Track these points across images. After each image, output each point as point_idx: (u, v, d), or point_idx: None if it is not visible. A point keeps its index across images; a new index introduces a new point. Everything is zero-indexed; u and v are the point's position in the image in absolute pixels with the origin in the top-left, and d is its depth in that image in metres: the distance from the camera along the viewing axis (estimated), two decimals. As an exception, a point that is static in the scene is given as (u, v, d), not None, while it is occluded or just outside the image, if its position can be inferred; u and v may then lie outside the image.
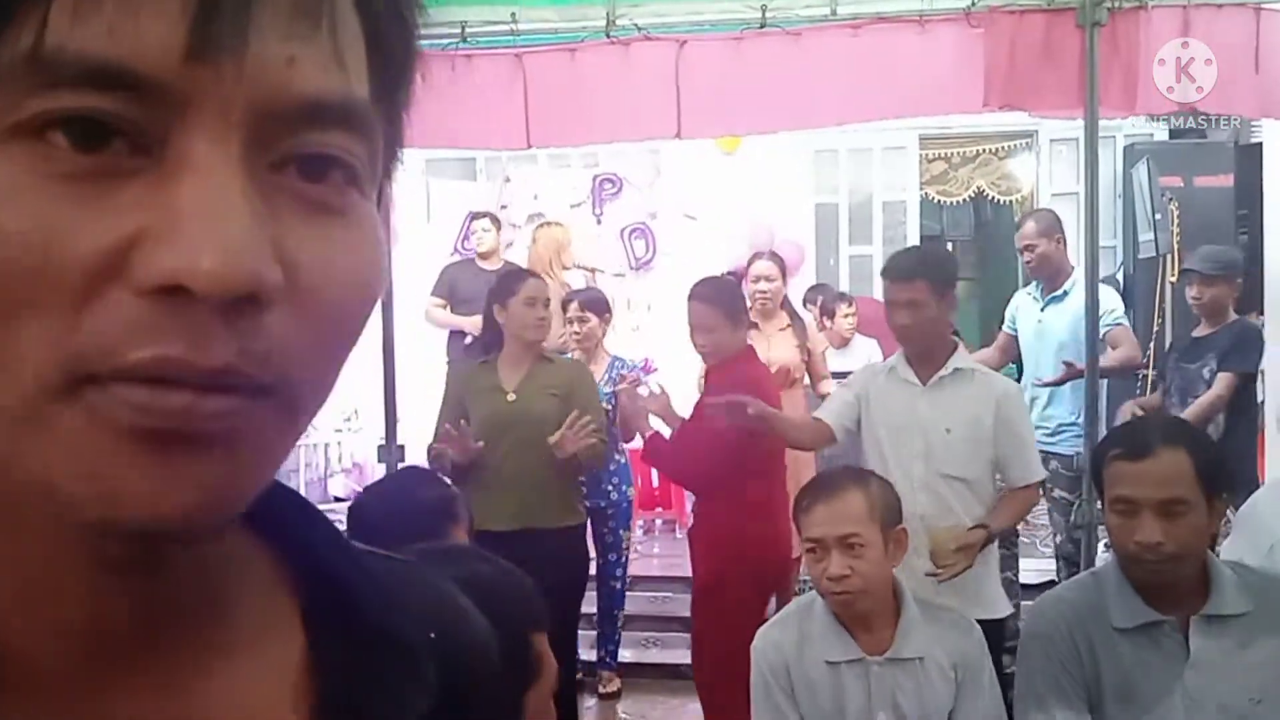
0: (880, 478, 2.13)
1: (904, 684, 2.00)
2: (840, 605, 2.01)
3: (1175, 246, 5.61)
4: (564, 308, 4.32)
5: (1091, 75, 3.77)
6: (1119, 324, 4.19)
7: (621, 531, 4.29)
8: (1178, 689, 1.84)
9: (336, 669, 0.46)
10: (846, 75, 4.09)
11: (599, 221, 6.84)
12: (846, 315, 6.04)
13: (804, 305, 6.94)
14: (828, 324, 6.09)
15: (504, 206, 7.33)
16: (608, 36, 4.19)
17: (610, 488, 4.22)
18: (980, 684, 2.03)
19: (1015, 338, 4.54)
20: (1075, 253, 4.65)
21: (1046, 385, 4.18)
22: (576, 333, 4.23)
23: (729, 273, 5.18)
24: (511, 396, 3.33)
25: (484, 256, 5.81)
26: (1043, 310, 4.36)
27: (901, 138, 7.62)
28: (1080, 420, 4.13)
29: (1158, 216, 5.54)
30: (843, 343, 6.06)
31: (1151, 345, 5.72)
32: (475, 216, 6.11)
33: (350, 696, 0.46)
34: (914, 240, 7.79)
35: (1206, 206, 6.16)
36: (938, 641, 2.03)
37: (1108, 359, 4.12)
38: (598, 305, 4.38)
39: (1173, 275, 5.57)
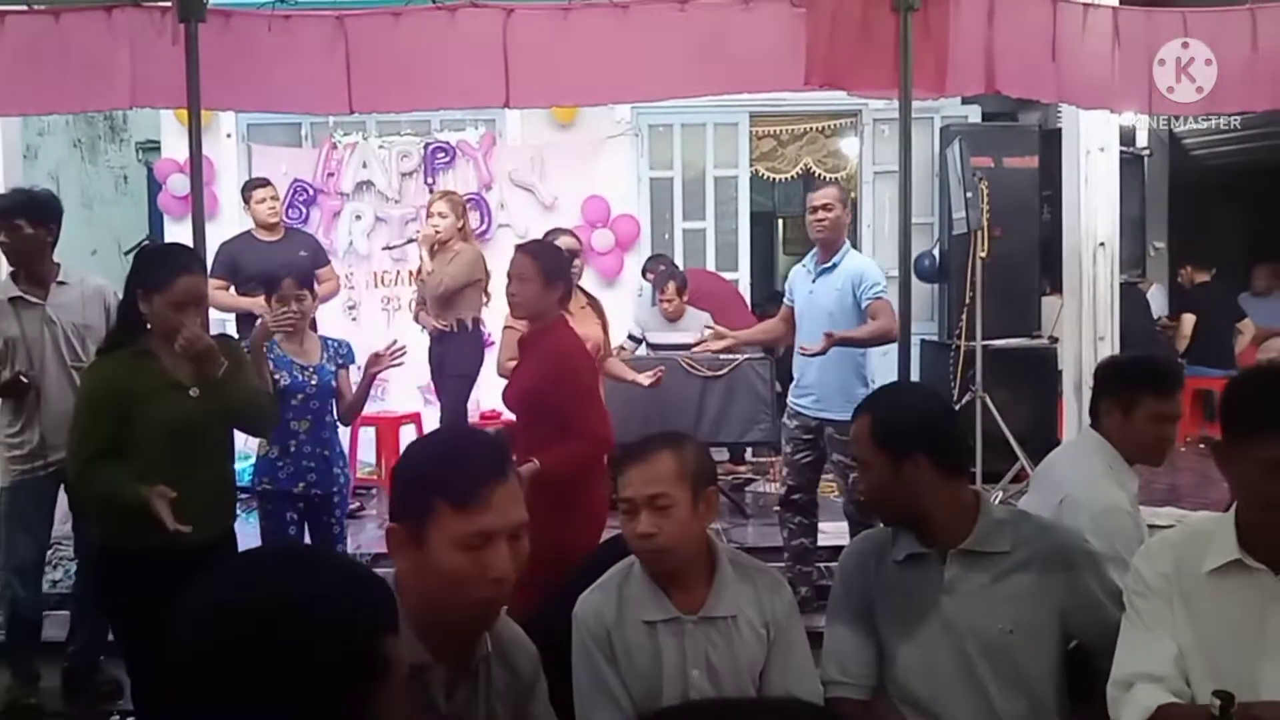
0: (696, 443, 2.16)
1: (717, 641, 2.05)
2: (649, 562, 2.05)
3: (985, 223, 5.91)
4: (275, 285, 3.96)
5: (905, 57, 3.92)
6: (879, 296, 4.31)
7: (342, 517, 4.05)
8: (936, 614, 2.05)
9: None
10: (672, 49, 4.13)
11: (430, 191, 6.70)
12: (678, 294, 6.15)
13: (643, 276, 7.02)
14: (660, 297, 6.18)
15: (330, 175, 7.11)
16: (433, 2, 4.10)
17: (339, 470, 4.01)
18: (790, 641, 2.10)
19: (791, 307, 4.69)
20: (892, 228, 4.84)
21: (811, 355, 4.32)
22: (294, 312, 3.88)
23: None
24: (194, 392, 2.90)
25: (264, 228, 5.53)
26: (814, 281, 4.50)
27: (732, 115, 7.75)
28: (857, 387, 4.30)
29: (969, 194, 5.81)
30: (674, 315, 6.17)
31: (964, 317, 6.02)
32: (255, 185, 5.73)
33: None
34: (745, 215, 7.96)
35: (1014, 186, 6.51)
36: (750, 600, 2.08)
37: (862, 329, 4.30)
38: (309, 282, 4.14)
39: (983, 251, 5.86)
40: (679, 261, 7.33)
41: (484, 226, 7.03)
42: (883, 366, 4.68)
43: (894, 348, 4.31)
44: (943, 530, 2.07)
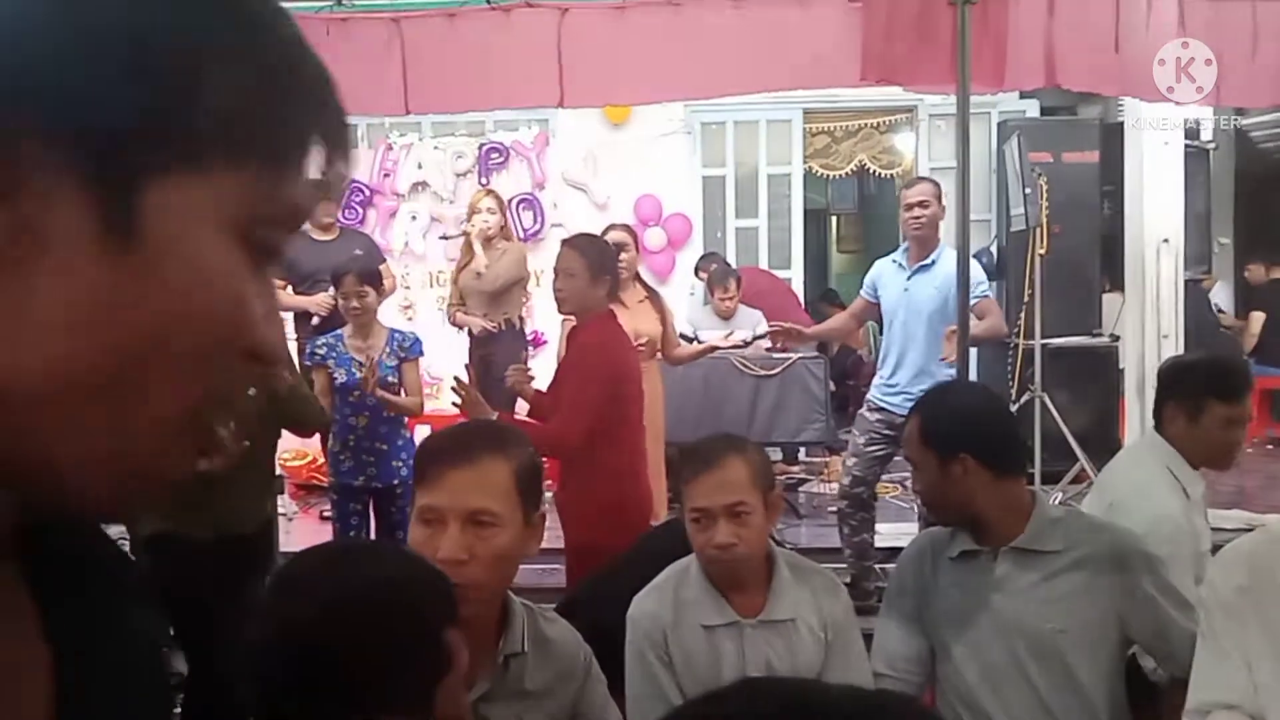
0: (756, 444, 2.14)
1: (776, 645, 2.03)
2: (724, 570, 2.02)
3: (1044, 219, 5.81)
4: (338, 282, 4.12)
5: (963, 52, 3.86)
6: (986, 295, 4.33)
7: (407, 509, 4.16)
8: (986, 611, 2.06)
9: (68, 620, 0.51)
10: (726, 47, 4.12)
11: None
12: (730, 293, 6.12)
13: (695, 274, 7.00)
14: (721, 294, 6.14)
15: (386, 175, 7.19)
16: (488, 3, 4.12)
17: (400, 463, 4.06)
18: (847, 642, 2.08)
19: (873, 304, 4.64)
20: (950, 225, 4.78)
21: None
22: (355, 307, 4.04)
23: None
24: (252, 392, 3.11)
25: (320, 228, 5.56)
26: (909, 279, 4.44)
27: (786, 112, 7.70)
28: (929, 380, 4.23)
29: (1028, 190, 5.72)
30: (728, 314, 6.14)
31: (1022, 315, 5.92)
32: None
33: (83, 640, 0.52)
34: (799, 213, 7.90)
35: (1074, 181, 6.39)
36: (808, 603, 2.06)
37: (976, 328, 4.24)
38: (373, 278, 4.23)
39: (1042, 248, 5.76)
40: (731, 260, 7.30)
41: (537, 226, 7.07)
42: (917, 362, 4.57)
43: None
44: (996, 529, 2.08)
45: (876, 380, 4.58)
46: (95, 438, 0.45)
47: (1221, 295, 8.19)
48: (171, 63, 0.44)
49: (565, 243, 3.53)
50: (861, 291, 4.73)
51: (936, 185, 4.48)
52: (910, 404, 4.27)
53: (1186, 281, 5.61)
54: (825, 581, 2.14)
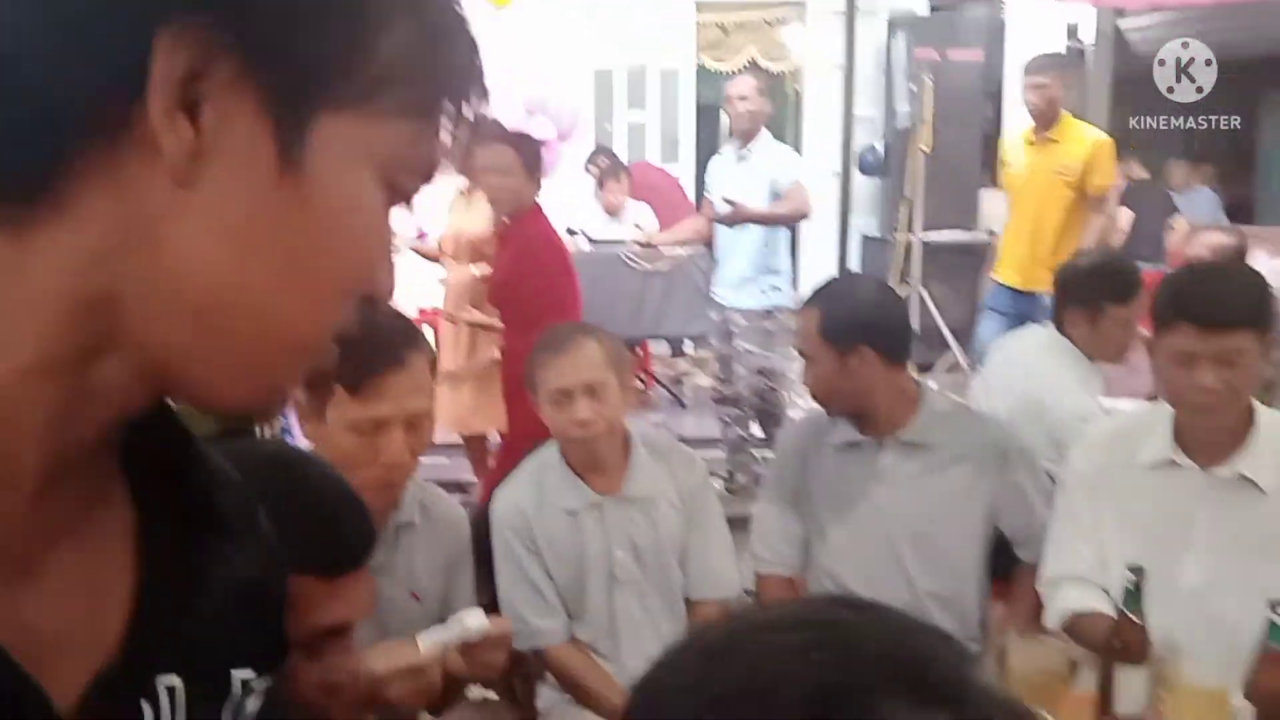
0: (605, 330, 2.16)
1: (638, 521, 2.08)
2: (583, 450, 2.05)
3: (928, 117, 5.87)
4: None
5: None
6: (795, 182, 4.32)
7: None
8: (868, 501, 2.11)
9: (162, 539, 0.53)
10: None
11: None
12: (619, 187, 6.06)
13: (585, 169, 6.90)
14: (610, 189, 6.08)
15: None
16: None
17: None
18: (707, 515, 2.16)
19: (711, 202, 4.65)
20: (834, 121, 4.78)
21: (720, 221, 4.36)
22: None
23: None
24: None
25: None
26: (733, 172, 4.47)
27: (677, 2, 7.57)
28: (764, 275, 4.35)
29: (913, 88, 5.77)
30: (616, 209, 6.09)
31: (902, 211, 6.02)
32: None
33: (174, 563, 0.53)
34: (690, 108, 7.83)
35: (958, 79, 6.46)
36: (666, 478, 2.12)
37: (773, 207, 4.32)
38: None
39: (924, 145, 5.84)
40: (622, 155, 7.21)
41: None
42: (748, 251, 4.57)
43: (834, 241, 4.31)
44: (883, 421, 2.11)
45: (713, 278, 4.63)
46: (240, 347, 0.49)
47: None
48: (364, 6, 0.48)
49: (497, 138, 3.35)
50: (705, 190, 4.74)
51: (759, 80, 4.49)
52: (763, 292, 4.37)
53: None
54: (682, 457, 2.20)
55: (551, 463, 2.10)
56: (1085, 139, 4.32)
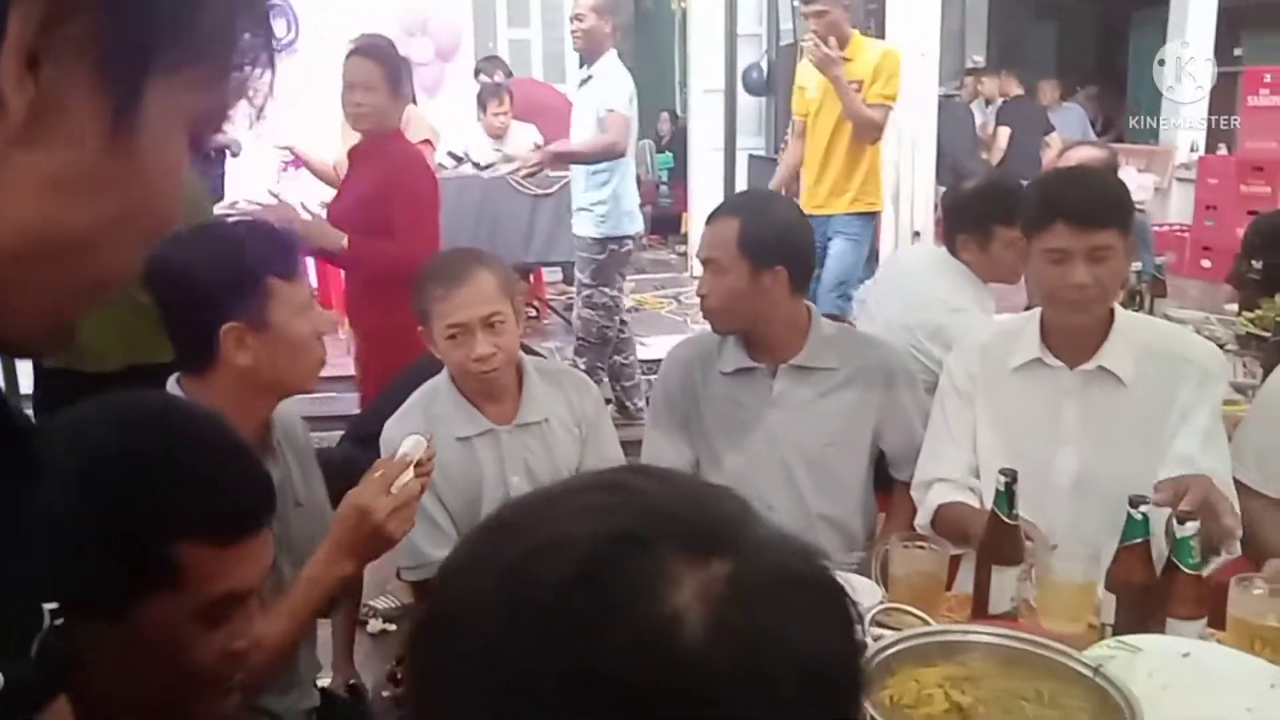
0: (495, 255, 2.11)
1: (533, 446, 2.07)
2: (484, 381, 2.02)
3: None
4: None
5: None
6: (611, 110, 4.12)
7: None
8: (762, 425, 2.10)
9: None
10: None
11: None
12: (503, 108, 5.89)
13: (476, 77, 6.66)
14: (493, 110, 5.90)
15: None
16: None
17: None
18: (601, 435, 2.16)
19: None
20: (719, 40, 4.73)
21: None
22: None
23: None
24: None
25: None
26: (578, 93, 4.39)
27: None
28: (599, 203, 4.26)
29: (796, 4, 5.74)
30: (500, 131, 5.95)
31: (790, 127, 6.02)
32: None
33: None
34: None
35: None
36: (560, 402, 2.11)
37: (580, 143, 4.20)
38: None
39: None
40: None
41: (291, 35, 6.55)
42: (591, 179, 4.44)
43: (720, 161, 4.29)
44: (776, 344, 2.10)
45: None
46: (48, 291, 0.52)
47: (980, 111, 8.61)
48: None
49: (359, 52, 3.17)
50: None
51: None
52: (593, 221, 4.26)
53: (941, 96, 5.85)
54: (575, 380, 2.20)
55: (443, 390, 2.07)
56: (873, 51, 4.25)
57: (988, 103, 8.56)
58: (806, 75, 4.33)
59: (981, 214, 2.81)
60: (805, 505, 2.11)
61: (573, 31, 4.24)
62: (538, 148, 4.70)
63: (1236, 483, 1.85)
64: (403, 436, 2.04)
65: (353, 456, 2.22)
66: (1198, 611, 1.49)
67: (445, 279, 1.98)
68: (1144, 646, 1.43)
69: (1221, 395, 1.90)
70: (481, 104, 6.01)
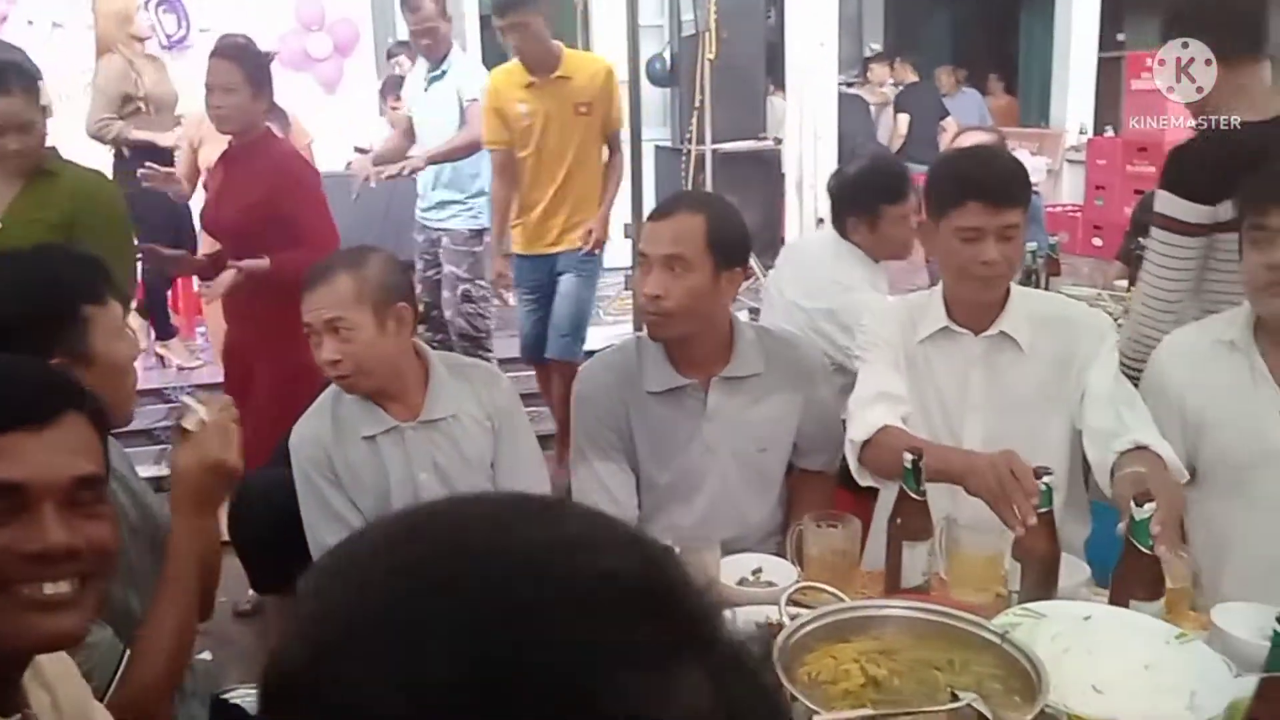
0: (384, 256, 2.02)
1: (440, 443, 2.05)
2: (344, 388, 2.00)
3: (713, 24, 5.90)
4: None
5: None
6: (475, 100, 4.11)
7: None
8: (697, 440, 2.06)
9: None
10: None
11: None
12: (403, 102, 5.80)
13: (389, 61, 6.52)
14: (394, 103, 5.80)
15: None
16: None
17: None
18: (515, 427, 2.13)
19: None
20: (619, 30, 4.70)
21: (403, 174, 4.20)
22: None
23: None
24: None
25: None
26: (427, 90, 4.31)
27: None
28: (474, 196, 4.25)
29: (696, -7, 5.76)
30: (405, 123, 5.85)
31: (694, 120, 6.07)
32: None
33: None
34: (473, 17, 7.60)
35: (741, -15, 6.49)
36: (469, 396, 2.09)
37: (449, 142, 4.15)
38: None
39: (711, 53, 5.88)
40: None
41: (183, 32, 6.38)
42: (456, 174, 4.39)
43: (626, 153, 4.27)
44: (706, 355, 2.04)
45: (418, 200, 4.46)
46: None
47: (867, 95, 8.76)
48: None
49: (218, 53, 3.17)
50: (406, 108, 4.56)
51: (437, 4, 4.15)
52: (469, 215, 4.22)
53: (841, 83, 5.94)
54: (484, 373, 2.17)
55: (345, 393, 2.04)
56: (591, 66, 4.00)
57: (879, 86, 8.76)
58: (507, 94, 3.89)
59: (867, 195, 2.91)
60: (739, 508, 2.07)
61: (418, 32, 4.11)
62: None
63: None
64: (309, 438, 2.03)
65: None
66: (1157, 591, 1.52)
67: (310, 277, 1.97)
68: (1048, 612, 1.48)
69: (1116, 356, 1.97)
70: (384, 97, 5.93)
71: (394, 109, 5.81)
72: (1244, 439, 1.84)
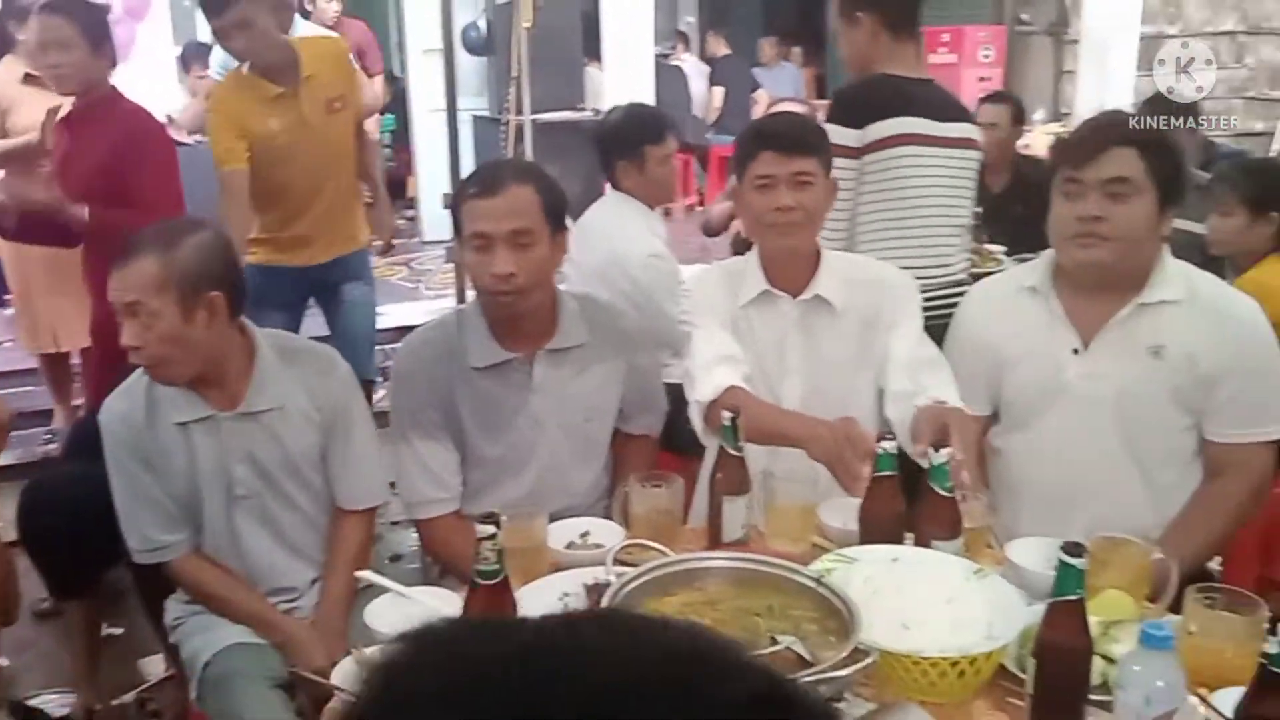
0: (204, 238, 1.87)
1: (259, 436, 1.95)
2: (151, 378, 1.89)
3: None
4: None
5: None
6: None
7: None
8: (524, 413, 2.04)
9: None
10: None
11: None
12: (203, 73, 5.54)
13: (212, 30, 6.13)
14: (196, 72, 5.52)
15: None
16: None
17: None
18: (350, 422, 2.03)
19: None
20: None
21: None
22: None
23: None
24: None
25: None
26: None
27: None
28: None
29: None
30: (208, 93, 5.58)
31: (511, 91, 6.02)
32: None
33: None
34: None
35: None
36: (298, 386, 1.98)
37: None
38: None
39: (527, 21, 5.83)
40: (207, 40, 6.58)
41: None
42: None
43: (442, 122, 4.20)
44: (533, 328, 2.02)
45: None
46: None
47: (693, 69, 8.89)
48: None
49: (49, 8, 2.92)
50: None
51: None
52: None
53: (657, 55, 6.00)
54: (319, 360, 2.04)
55: None
56: (327, 51, 3.40)
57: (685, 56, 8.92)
58: (249, 111, 3.14)
59: (630, 137, 3.06)
60: (566, 477, 2.07)
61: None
62: None
63: None
64: (120, 417, 1.91)
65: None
66: (956, 531, 1.61)
67: (121, 252, 1.83)
68: (858, 557, 1.56)
69: (920, 315, 2.08)
70: (185, 65, 5.62)
71: (200, 78, 5.52)
72: (1039, 375, 1.98)
